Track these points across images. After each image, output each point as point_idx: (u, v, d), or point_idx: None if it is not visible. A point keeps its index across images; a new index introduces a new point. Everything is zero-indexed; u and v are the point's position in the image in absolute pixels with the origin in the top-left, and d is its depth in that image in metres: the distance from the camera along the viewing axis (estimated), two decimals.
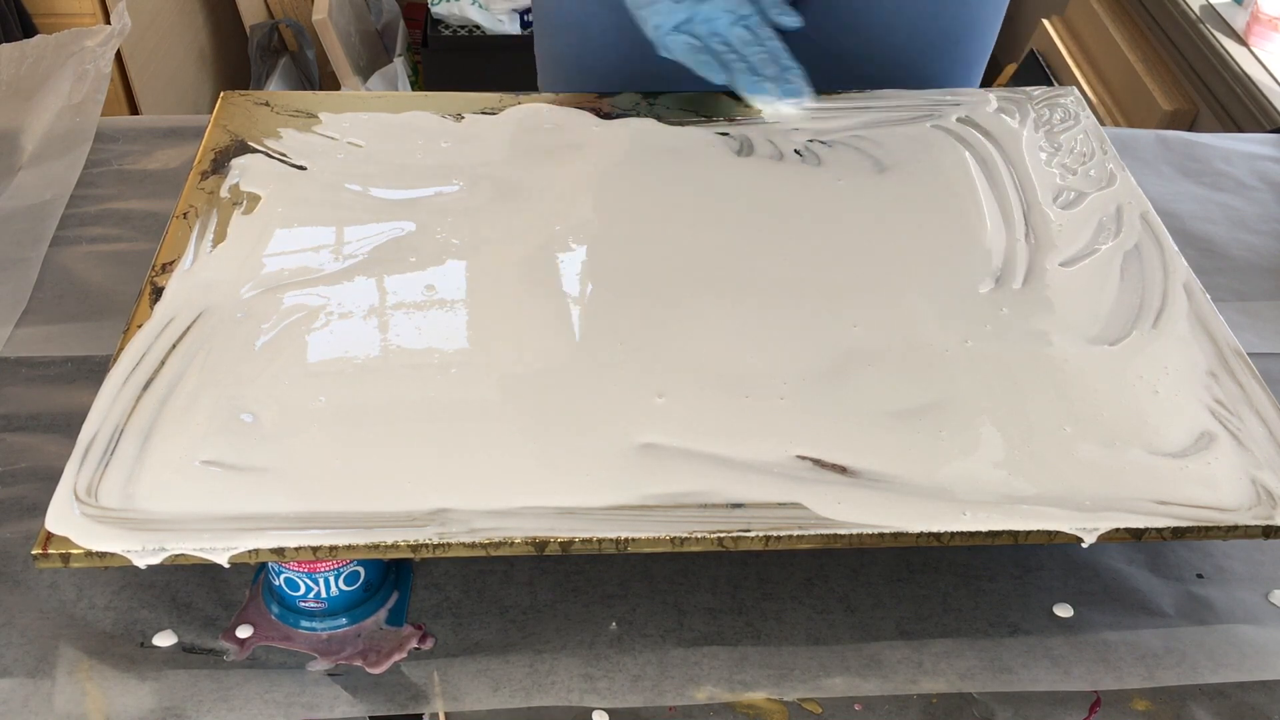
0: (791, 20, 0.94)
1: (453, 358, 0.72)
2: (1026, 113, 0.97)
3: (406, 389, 0.70)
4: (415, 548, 0.61)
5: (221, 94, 0.96)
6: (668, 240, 0.82)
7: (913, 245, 0.83)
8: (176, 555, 0.60)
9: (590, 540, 0.62)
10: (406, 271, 0.79)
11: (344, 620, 0.67)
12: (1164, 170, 1.09)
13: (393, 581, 0.70)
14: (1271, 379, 0.75)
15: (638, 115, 0.95)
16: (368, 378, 0.70)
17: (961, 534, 0.63)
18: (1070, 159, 0.92)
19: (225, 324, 0.73)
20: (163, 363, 0.70)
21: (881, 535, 0.63)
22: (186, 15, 2.22)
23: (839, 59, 1.07)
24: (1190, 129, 1.76)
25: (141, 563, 0.60)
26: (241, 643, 0.67)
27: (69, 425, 0.75)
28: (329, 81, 2.48)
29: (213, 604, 0.69)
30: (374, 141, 0.91)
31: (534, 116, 0.95)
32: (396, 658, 0.66)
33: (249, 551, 0.60)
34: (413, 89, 2.53)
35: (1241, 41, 1.73)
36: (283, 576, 0.66)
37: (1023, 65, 2.22)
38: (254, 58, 2.39)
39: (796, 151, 0.91)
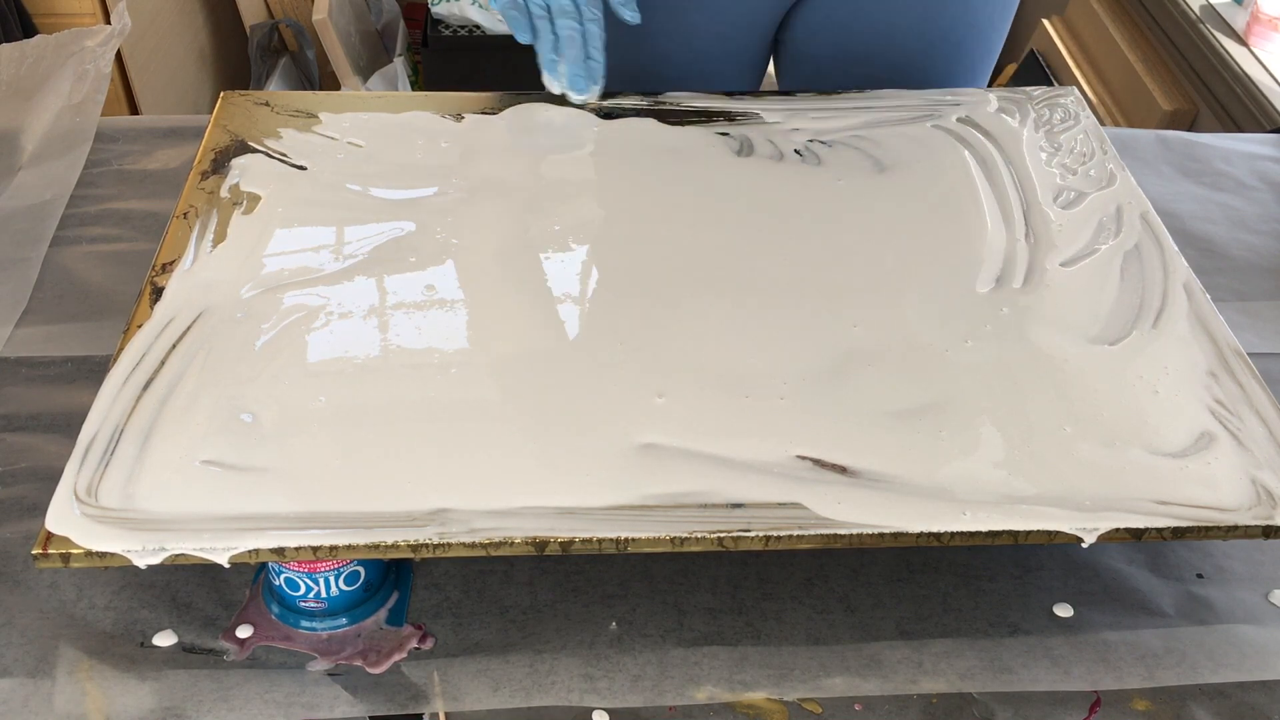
0: (631, 15, 0.92)
1: (453, 358, 0.72)
2: (1026, 113, 0.97)
3: (406, 389, 0.70)
4: (415, 548, 0.61)
5: (221, 94, 0.96)
6: (668, 240, 0.82)
7: (913, 245, 0.83)
8: (176, 555, 0.60)
9: (590, 540, 0.62)
10: (406, 271, 0.79)
11: (344, 620, 0.67)
12: (1164, 170, 1.09)
13: (393, 581, 0.70)
14: (1271, 379, 0.75)
15: (638, 115, 0.95)
16: (368, 378, 0.70)
17: (961, 534, 0.63)
18: (1070, 159, 0.92)
19: (225, 324, 0.73)
20: (163, 363, 0.70)
21: (881, 535, 0.63)
22: (186, 15, 2.22)
23: (840, 60, 1.08)
24: (1190, 129, 1.76)
25: (141, 563, 0.60)
26: (241, 643, 0.67)
27: (69, 425, 0.75)
28: (329, 81, 2.48)
29: (213, 604, 0.69)
30: (374, 141, 0.91)
31: (534, 116, 0.95)
32: (396, 658, 0.66)
33: (249, 551, 0.60)
34: (413, 89, 2.53)
35: (1241, 41, 1.73)
36: (283, 576, 0.66)
37: (1023, 65, 2.22)
38: (254, 58, 2.39)
39: (796, 151, 0.91)
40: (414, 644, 0.67)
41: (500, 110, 0.95)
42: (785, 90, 1.01)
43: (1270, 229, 1.03)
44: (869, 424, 0.68)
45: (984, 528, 0.63)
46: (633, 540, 0.62)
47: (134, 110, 1.94)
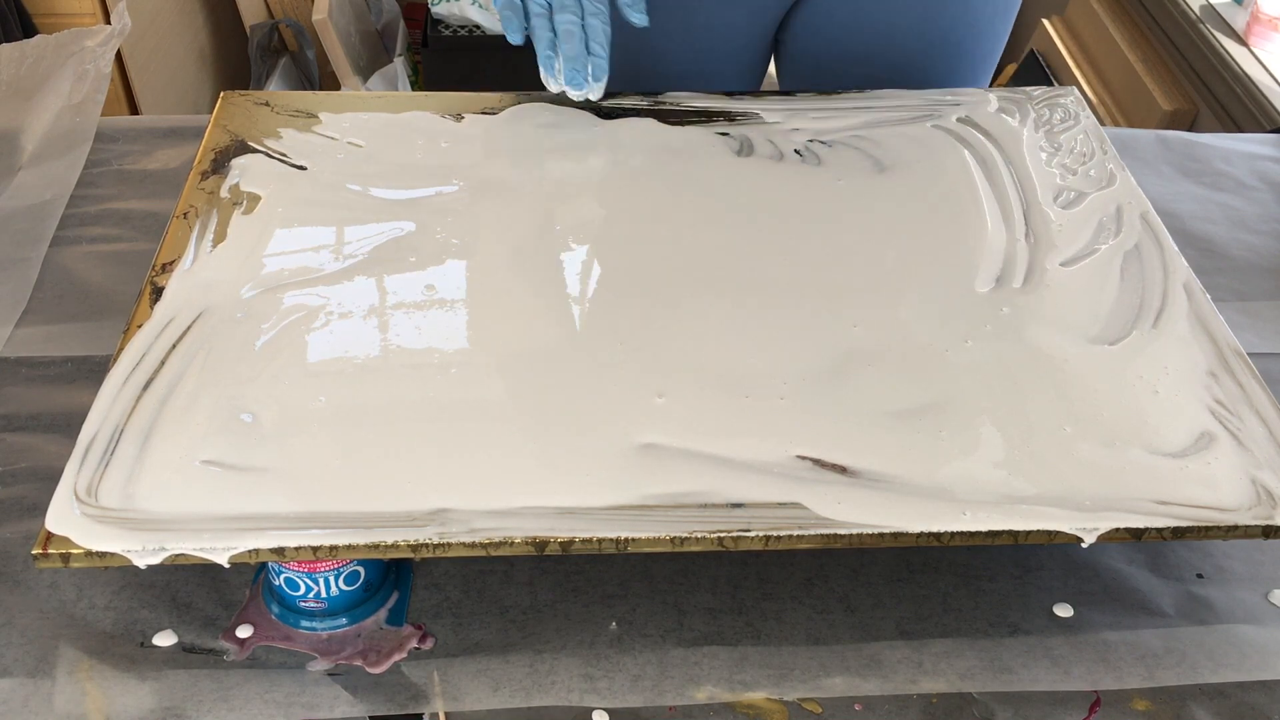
0: (639, 18, 0.90)
1: (453, 358, 0.72)
2: (1026, 113, 0.97)
3: (406, 389, 0.70)
4: (415, 548, 0.61)
5: (221, 94, 0.96)
6: (668, 240, 0.82)
7: (913, 245, 0.83)
8: (176, 555, 0.60)
9: (590, 540, 0.62)
10: (406, 271, 0.79)
11: (344, 620, 0.67)
12: (1164, 170, 1.09)
13: (393, 581, 0.70)
14: (1271, 379, 0.75)
15: (638, 115, 0.95)
16: (368, 378, 0.70)
17: (961, 534, 0.63)
18: (1070, 159, 0.92)
19: (225, 324, 0.73)
20: (163, 363, 0.70)
21: (881, 535, 0.63)
22: (186, 15, 2.22)
23: (840, 60, 1.08)
24: (1190, 129, 1.76)
25: (141, 563, 0.60)
26: (241, 643, 0.67)
27: (69, 425, 0.75)
28: (329, 81, 2.48)
29: (213, 604, 0.69)
30: (374, 141, 0.91)
31: (534, 116, 0.95)
32: (396, 658, 0.66)
33: (249, 551, 0.60)
34: (413, 89, 2.53)
35: (1241, 41, 1.73)
36: (283, 576, 0.66)
37: (1023, 65, 2.22)
38: (254, 58, 2.39)
39: (796, 151, 0.91)
40: (414, 644, 0.67)
41: (500, 110, 0.95)
42: (785, 90, 1.01)
43: (1270, 229, 1.03)
44: (869, 424, 0.68)
45: (984, 528, 0.63)
46: (633, 540, 0.62)
47: (134, 110, 1.94)
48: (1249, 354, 0.75)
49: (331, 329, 0.74)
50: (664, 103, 0.96)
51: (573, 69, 0.89)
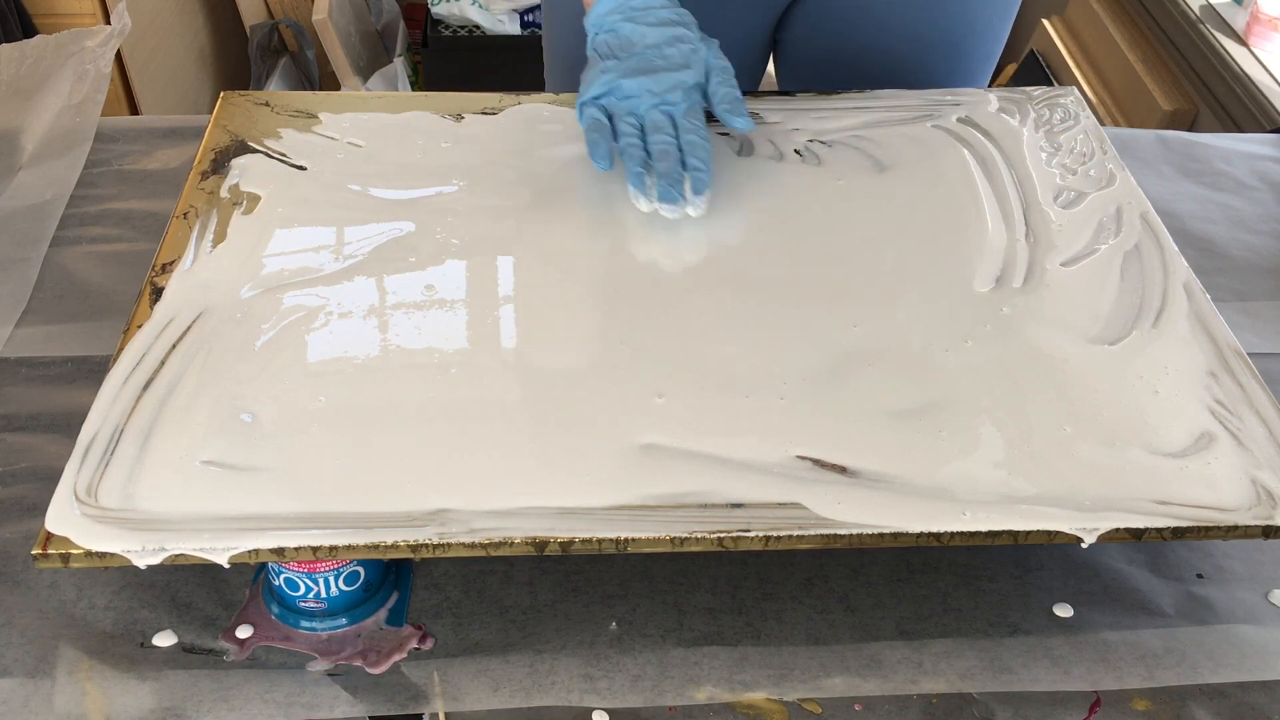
0: (743, 121, 0.85)
1: (452, 358, 0.72)
2: (1026, 113, 0.97)
3: (406, 389, 0.70)
4: (415, 548, 0.61)
5: (221, 94, 0.96)
6: (668, 240, 0.82)
7: (913, 245, 0.83)
8: (176, 555, 0.60)
9: (590, 540, 0.62)
10: (406, 271, 0.79)
11: (344, 620, 0.67)
12: (1164, 170, 1.09)
13: (393, 581, 0.70)
14: (1271, 379, 0.75)
15: None
16: (368, 378, 0.70)
17: (961, 534, 0.63)
18: (1070, 159, 0.92)
19: (225, 324, 0.73)
20: (163, 363, 0.70)
21: (881, 535, 0.63)
22: (186, 15, 2.22)
23: (840, 61, 1.08)
24: (1190, 129, 1.76)
25: (141, 563, 0.60)
26: (241, 643, 0.67)
27: (69, 425, 0.75)
28: (329, 81, 2.48)
29: (213, 604, 0.69)
30: (374, 141, 0.91)
31: (534, 116, 0.95)
32: (396, 658, 0.66)
33: (249, 551, 0.60)
34: (413, 89, 2.53)
35: (1241, 41, 1.73)
36: (283, 576, 0.66)
37: (1023, 65, 2.22)
38: (254, 58, 2.39)
39: (796, 151, 0.91)
40: (414, 644, 0.67)
41: (500, 110, 0.95)
42: (785, 90, 1.01)
43: (1270, 229, 1.03)
44: (869, 424, 0.68)
45: (984, 528, 0.63)
46: (633, 540, 0.62)
47: (134, 110, 1.94)
48: (1249, 354, 0.75)
49: (331, 329, 0.74)
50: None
51: (667, 184, 0.81)
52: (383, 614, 0.68)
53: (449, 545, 0.61)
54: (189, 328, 0.73)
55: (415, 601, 0.70)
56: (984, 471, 0.66)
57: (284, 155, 0.89)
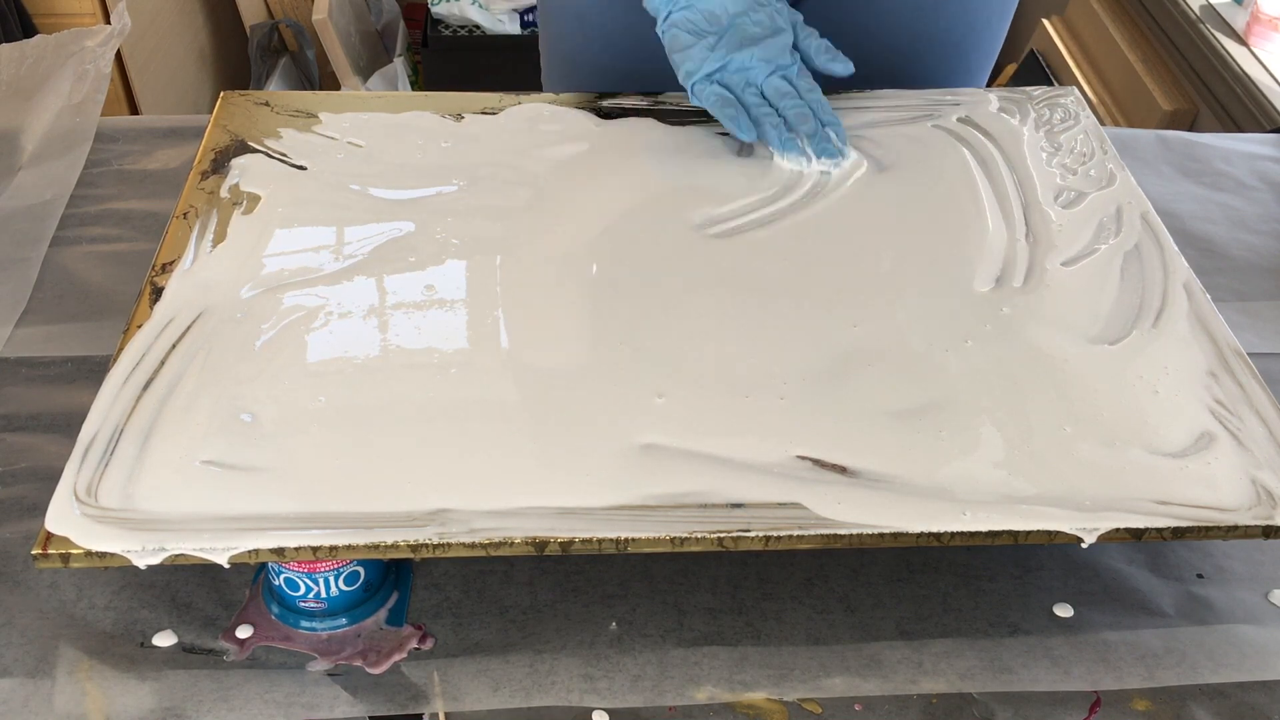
0: (843, 66, 0.90)
1: (452, 358, 0.72)
2: (1027, 113, 0.97)
3: (406, 389, 0.70)
4: (415, 548, 0.61)
5: (221, 94, 0.96)
6: (668, 240, 0.82)
7: (913, 245, 0.83)
8: (176, 555, 0.60)
9: (590, 540, 0.62)
10: (406, 271, 0.79)
11: (344, 620, 0.67)
12: (1164, 170, 1.09)
13: (393, 581, 0.70)
14: (1271, 379, 0.75)
15: (638, 115, 0.95)
16: (368, 378, 0.70)
17: (961, 534, 0.63)
18: (1070, 159, 0.92)
19: (225, 324, 0.73)
20: (163, 363, 0.70)
21: (881, 535, 0.63)
22: (186, 15, 2.22)
23: None
24: (1190, 129, 1.76)
25: (141, 563, 0.60)
26: (241, 643, 0.67)
27: (69, 425, 0.75)
28: (329, 81, 2.48)
29: (213, 604, 0.69)
30: (374, 141, 0.91)
31: (534, 116, 0.95)
32: (396, 658, 0.66)
33: (249, 551, 0.60)
34: (413, 89, 2.53)
35: (1241, 41, 1.73)
36: (283, 576, 0.66)
37: (1023, 65, 2.22)
38: (254, 58, 2.39)
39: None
40: (414, 644, 0.67)
41: (500, 110, 0.95)
42: None
43: (1270, 229, 1.03)
44: (869, 424, 0.68)
45: (984, 528, 0.63)
46: (633, 540, 0.62)
47: (134, 110, 1.94)
48: (1249, 354, 0.75)
49: (331, 329, 0.74)
50: (664, 103, 0.96)
51: (821, 143, 0.88)
52: (383, 614, 0.68)
53: (449, 545, 0.61)
54: (189, 328, 0.73)
55: (415, 601, 0.70)
56: (984, 471, 0.66)
57: (284, 155, 0.89)
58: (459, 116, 0.94)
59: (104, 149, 1.06)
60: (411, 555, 0.61)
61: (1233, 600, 0.72)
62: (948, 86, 1.05)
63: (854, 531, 0.63)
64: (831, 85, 0.99)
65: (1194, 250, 0.98)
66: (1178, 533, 0.64)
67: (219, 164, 0.88)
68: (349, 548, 0.61)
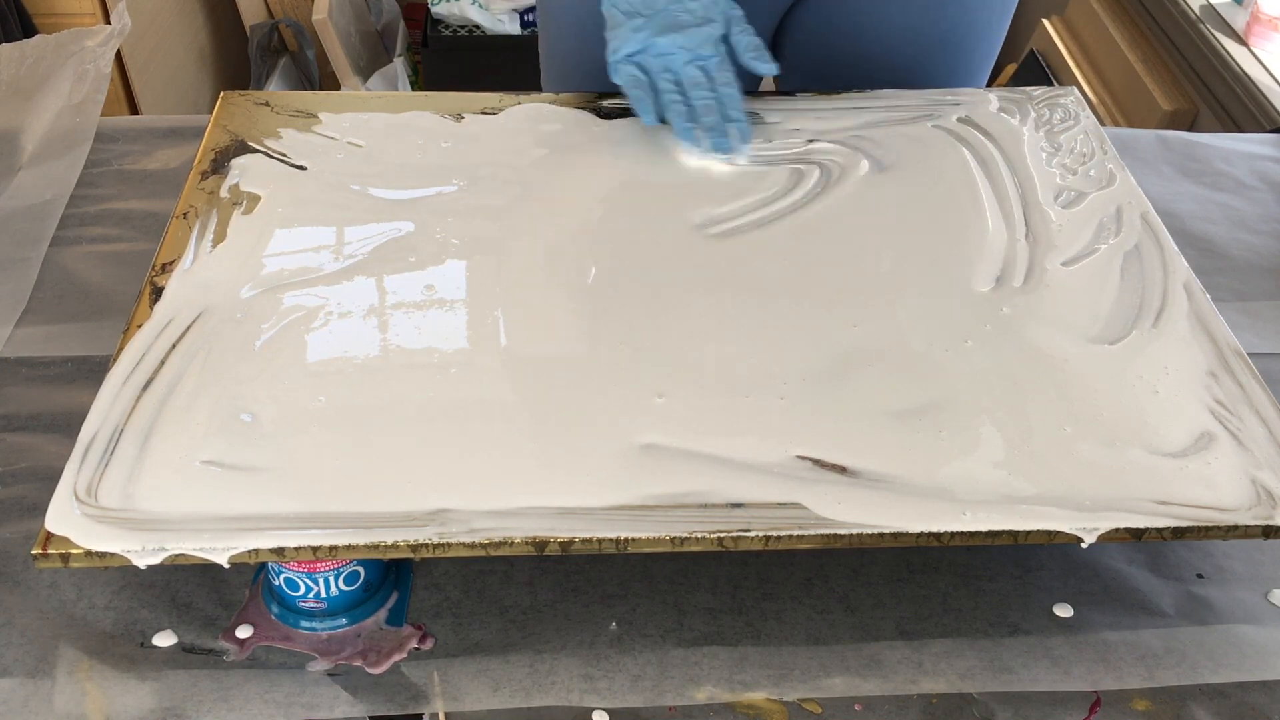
0: (767, 66, 0.91)
1: (452, 358, 0.72)
2: (1027, 113, 0.97)
3: (406, 389, 0.70)
4: (415, 548, 0.61)
5: (221, 94, 0.96)
6: (668, 240, 0.82)
7: (913, 245, 0.83)
8: (176, 555, 0.60)
9: (590, 540, 0.62)
10: (406, 271, 0.79)
11: (344, 620, 0.67)
12: (1164, 170, 1.09)
13: (393, 581, 0.70)
14: (1271, 379, 0.75)
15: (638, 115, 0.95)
16: (368, 378, 0.70)
17: (961, 534, 0.63)
18: (1070, 159, 0.92)
19: (225, 324, 0.73)
20: (163, 363, 0.70)
21: (881, 535, 0.63)
22: (186, 15, 2.22)
23: (838, 63, 1.07)
24: (1190, 129, 1.76)
25: (141, 563, 0.60)
26: (241, 643, 0.67)
27: (69, 425, 0.75)
28: (329, 81, 2.48)
29: (213, 604, 0.69)
30: (374, 141, 0.91)
31: (534, 116, 0.95)
32: (396, 658, 0.66)
33: (249, 551, 0.60)
34: (413, 89, 2.53)
35: (1241, 41, 1.73)
36: (283, 576, 0.66)
37: (1023, 65, 2.22)
38: (254, 58, 2.39)
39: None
40: (414, 644, 0.67)
41: (500, 110, 0.95)
42: (785, 90, 1.01)
43: (1270, 229, 1.03)
44: (869, 424, 0.68)
45: (984, 528, 0.63)
46: (633, 540, 0.62)
47: (134, 110, 1.94)
48: (1249, 354, 0.75)
49: (331, 329, 0.74)
50: None
51: (718, 136, 0.89)
52: (383, 614, 0.68)
53: (449, 545, 0.61)
54: (189, 328, 0.73)
55: (415, 601, 0.70)
56: (984, 471, 0.66)
57: (284, 155, 0.89)
58: (459, 116, 0.94)
59: (104, 149, 1.06)
60: (411, 555, 0.61)
61: (1233, 600, 0.72)
62: (948, 87, 1.05)
63: (854, 531, 0.63)
64: (831, 87, 0.99)
65: (1194, 250, 0.98)
66: (1178, 533, 0.64)
67: (219, 164, 0.88)
68: (349, 548, 0.61)
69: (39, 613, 0.68)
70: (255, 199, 0.84)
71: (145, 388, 0.69)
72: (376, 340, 0.73)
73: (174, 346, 0.72)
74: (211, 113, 0.94)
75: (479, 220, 0.84)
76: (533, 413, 0.69)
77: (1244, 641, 0.69)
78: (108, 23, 1.65)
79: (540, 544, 0.61)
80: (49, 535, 0.60)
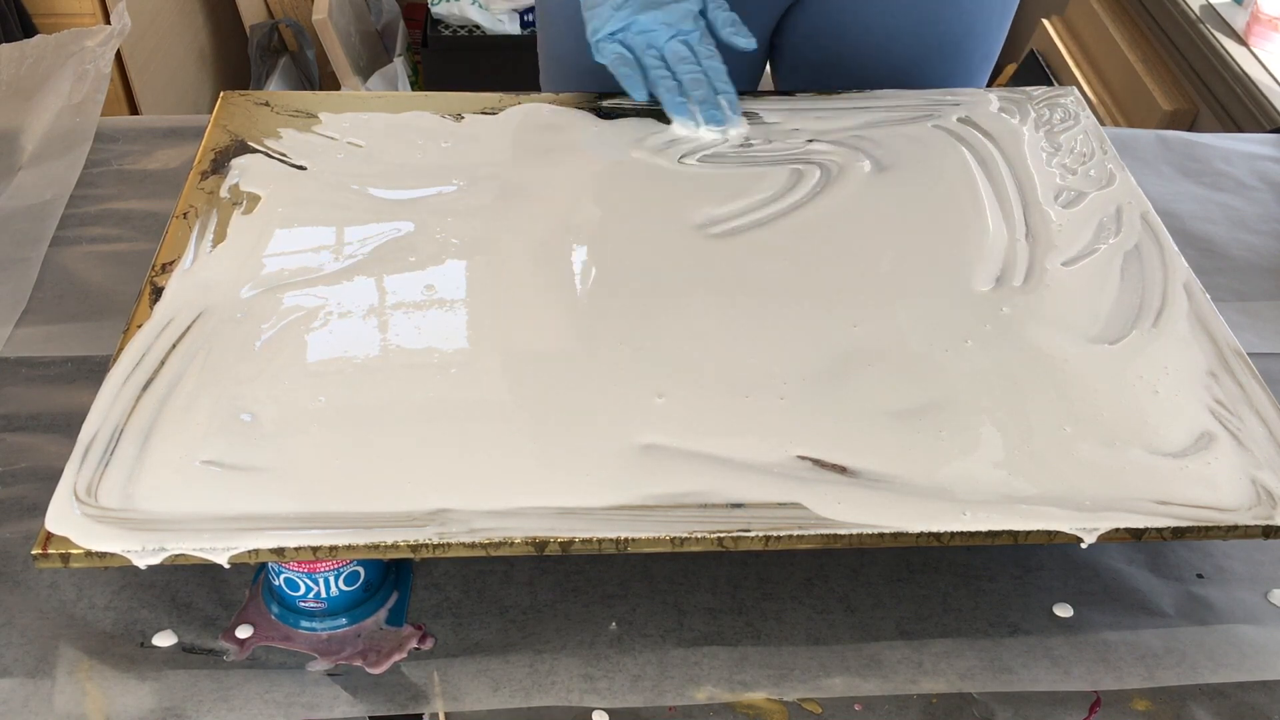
0: (745, 41, 0.92)
1: (452, 358, 0.72)
2: (1027, 113, 0.97)
3: (406, 389, 0.70)
4: (415, 548, 0.61)
5: (221, 94, 0.96)
6: (667, 240, 0.82)
7: (913, 245, 0.83)
8: (176, 555, 0.60)
9: (590, 540, 0.62)
10: (406, 271, 0.79)
11: (344, 620, 0.67)
12: (1164, 170, 1.09)
13: (393, 581, 0.70)
14: (1271, 379, 0.75)
15: (637, 115, 0.95)
16: (368, 378, 0.70)
17: (961, 534, 0.63)
18: (1070, 159, 0.92)
19: (225, 324, 0.73)
20: (163, 363, 0.70)
21: (881, 535, 0.63)
22: (186, 15, 2.22)
23: (838, 64, 1.07)
24: (1190, 129, 1.76)
25: (141, 563, 0.60)
26: (241, 643, 0.67)
27: (69, 425, 0.75)
28: (329, 81, 2.48)
29: (213, 604, 0.69)
30: (374, 141, 0.91)
31: (534, 116, 0.95)
32: (396, 658, 0.66)
33: (249, 551, 0.60)
34: (413, 89, 2.53)
35: (1241, 41, 1.73)
36: (283, 576, 0.66)
37: (1023, 65, 2.22)
38: (254, 58, 2.39)
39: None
40: (414, 644, 0.67)
41: (500, 110, 0.95)
42: (785, 90, 1.01)
43: (1270, 229, 1.03)
44: (869, 424, 0.68)
45: (984, 528, 0.63)
46: (633, 540, 0.62)
47: (134, 110, 1.94)
48: (1249, 354, 0.75)
49: (331, 329, 0.74)
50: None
51: (710, 109, 0.90)
52: (383, 614, 0.68)
53: (449, 545, 0.61)
54: (189, 328, 0.73)
55: (415, 601, 0.70)
56: (984, 471, 0.66)
57: (284, 155, 0.89)
58: (459, 116, 0.94)
59: (104, 149, 1.06)
60: (411, 555, 0.61)
61: (1233, 600, 0.72)
62: (948, 87, 1.05)
63: (854, 531, 0.63)
64: (832, 86, 0.99)
65: (1194, 250, 0.98)
66: (1178, 533, 0.64)
67: (219, 164, 0.88)
68: (349, 548, 0.61)
69: (39, 613, 0.68)
70: (255, 199, 0.84)
71: (145, 388, 0.69)
72: (376, 340, 0.73)
73: (174, 346, 0.72)
74: (211, 113, 0.94)
75: (479, 220, 0.84)
76: (533, 413, 0.69)
77: (1244, 641, 0.69)
78: (108, 23, 1.65)
79: (540, 544, 0.61)
80: (49, 535, 0.60)
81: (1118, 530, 0.63)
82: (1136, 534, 0.64)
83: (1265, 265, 0.98)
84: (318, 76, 2.47)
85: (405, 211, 0.84)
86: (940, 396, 0.70)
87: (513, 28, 2.47)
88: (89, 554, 0.60)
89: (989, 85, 1.12)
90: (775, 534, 0.62)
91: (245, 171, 0.87)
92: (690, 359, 0.72)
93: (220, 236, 0.81)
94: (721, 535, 0.62)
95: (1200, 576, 0.73)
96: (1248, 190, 1.07)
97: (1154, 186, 1.05)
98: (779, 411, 0.69)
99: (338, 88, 2.42)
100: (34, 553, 0.60)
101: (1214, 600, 0.72)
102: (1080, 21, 2.12)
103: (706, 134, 0.91)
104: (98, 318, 0.88)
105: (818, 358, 0.73)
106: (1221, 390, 0.72)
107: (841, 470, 0.66)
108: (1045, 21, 2.20)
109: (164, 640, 0.67)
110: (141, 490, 0.63)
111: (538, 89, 0.95)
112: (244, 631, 0.67)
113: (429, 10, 2.49)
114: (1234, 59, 1.68)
